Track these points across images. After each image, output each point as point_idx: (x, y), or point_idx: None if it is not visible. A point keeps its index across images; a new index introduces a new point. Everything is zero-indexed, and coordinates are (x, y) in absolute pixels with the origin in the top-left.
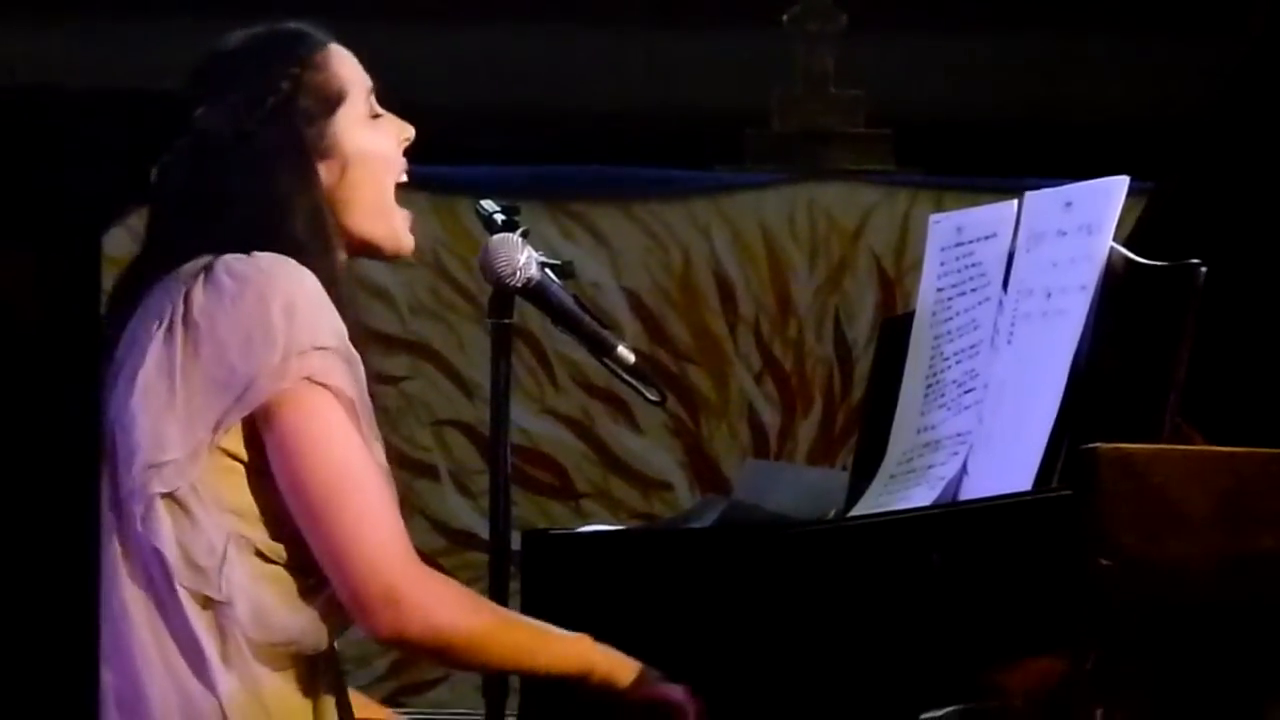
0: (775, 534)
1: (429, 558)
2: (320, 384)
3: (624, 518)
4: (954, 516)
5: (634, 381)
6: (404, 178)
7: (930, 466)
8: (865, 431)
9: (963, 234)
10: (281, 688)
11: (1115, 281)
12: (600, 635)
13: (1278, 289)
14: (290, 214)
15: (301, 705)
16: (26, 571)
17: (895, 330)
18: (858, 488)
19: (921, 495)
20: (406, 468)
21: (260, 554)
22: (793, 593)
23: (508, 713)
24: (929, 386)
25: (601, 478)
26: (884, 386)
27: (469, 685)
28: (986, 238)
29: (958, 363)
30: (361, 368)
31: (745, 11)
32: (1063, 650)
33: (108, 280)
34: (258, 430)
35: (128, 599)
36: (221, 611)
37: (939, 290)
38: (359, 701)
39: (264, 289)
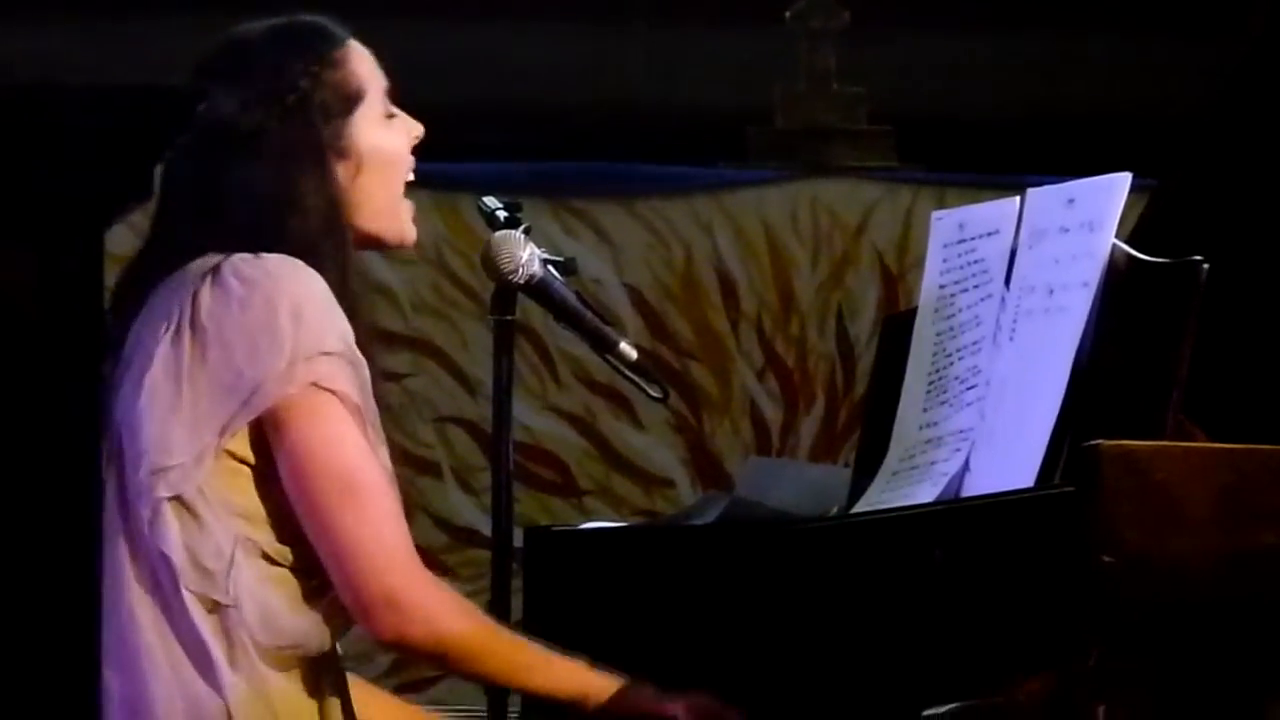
0: (777, 531)
1: (431, 555)
2: (326, 389)
3: (626, 515)
4: (956, 513)
5: (636, 378)
6: (411, 176)
7: (933, 463)
8: (867, 428)
9: (965, 230)
10: (287, 689)
11: (1117, 278)
12: (602, 632)
13: (1279, 286)
14: (304, 214)
15: (308, 706)
16: (28, 572)
17: (897, 327)
18: (860, 484)
19: (924, 492)
20: (409, 465)
21: (267, 557)
22: (795, 590)
23: (510, 710)
24: (931, 383)
25: (604, 474)
26: (886, 383)
27: (470, 683)
28: (989, 234)
29: (960, 359)
30: (367, 371)
31: (748, 8)
32: (1065, 647)
33: (110, 278)
34: (264, 434)
35: (133, 601)
36: (228, 615)
37: (941, 287)
38: (367, 692)
39: (271, 293)
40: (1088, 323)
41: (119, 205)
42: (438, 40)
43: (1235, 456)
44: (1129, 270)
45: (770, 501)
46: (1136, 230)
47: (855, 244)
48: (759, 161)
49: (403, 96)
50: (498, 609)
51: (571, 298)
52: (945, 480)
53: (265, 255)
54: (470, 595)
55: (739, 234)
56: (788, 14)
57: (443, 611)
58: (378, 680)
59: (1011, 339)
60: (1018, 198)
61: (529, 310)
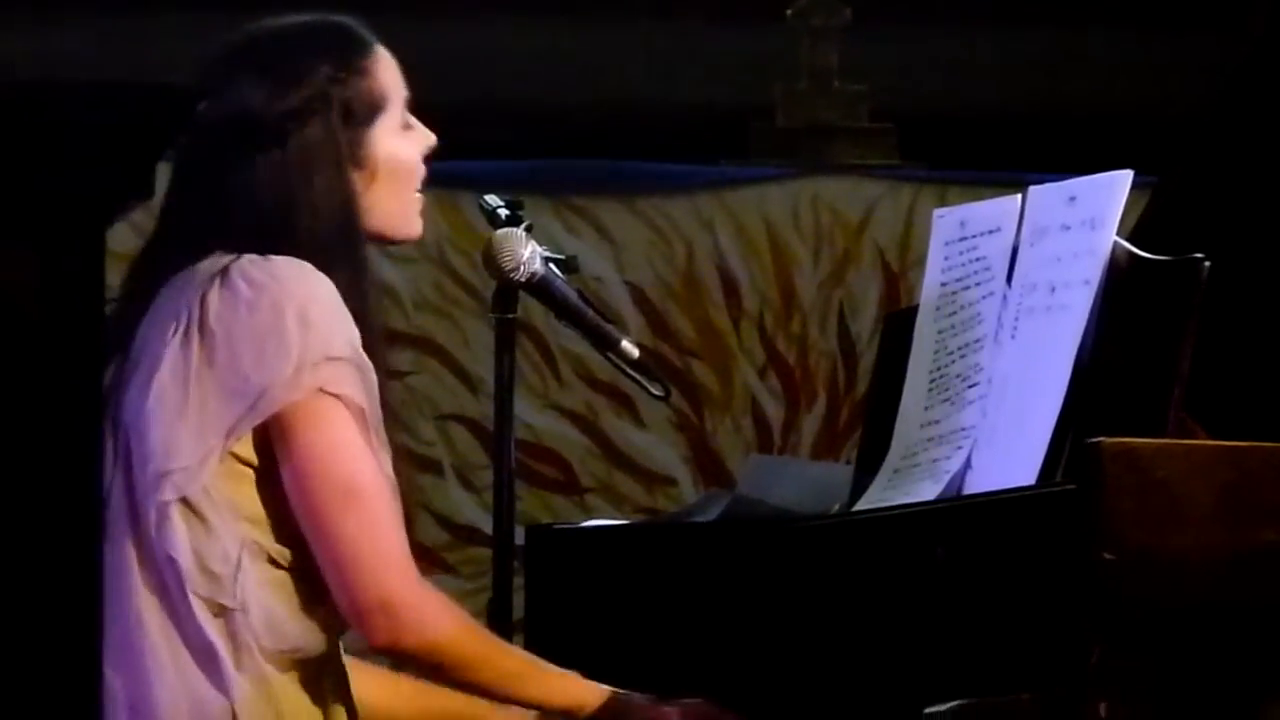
0: (779, 528)
1: (433, 553)
2: (332, 394)
3: (628, 512)
4: (958, 511)
5: (637, 376)
6: (421, 200)
7: (934, 461)
8: (869, 426)
9: (966, 228)
10: (292, 689)
11: (1119, 276)
12: (603, 631)
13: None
14: (318, 217)
15: (312, 706)
16: (30, 573)
17: (899, 324)
18: (862, 482)
19: (926, 490)
20: (410, 462)
21: (272, 560)
22: (797, 587)
23: None
24: (933, 381)
25: (605, 472)
26: (888, 381)
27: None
28: (990, 232)
29: (961, 357)
30: (374, 375)
31: (749, 6)
32: (1066, 645)
33: (112, 276)
34: (269, 436)
35: (139, 602)
36: (233, 618)
37: (943, 284)
38: (356, 666)
39: (278, 296)
40: (1089, 320)
41: (120, 203)
42: (439, 38)
43: (1236, 454)
44: (1130, 268)
45: (772, 499)
46: (1138, 228)
47: (857, 242)
48: (761, 159)
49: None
50: (499, 607)
51: (573, 296)
52: (947, 478)
53: (273, 258)
54: (472, 593)
55: (741, 232)
56: (789, 11)
57: (438, 620)
58: None
59: (1013, 337)
60: (1019, 195)
61: (530, 308)
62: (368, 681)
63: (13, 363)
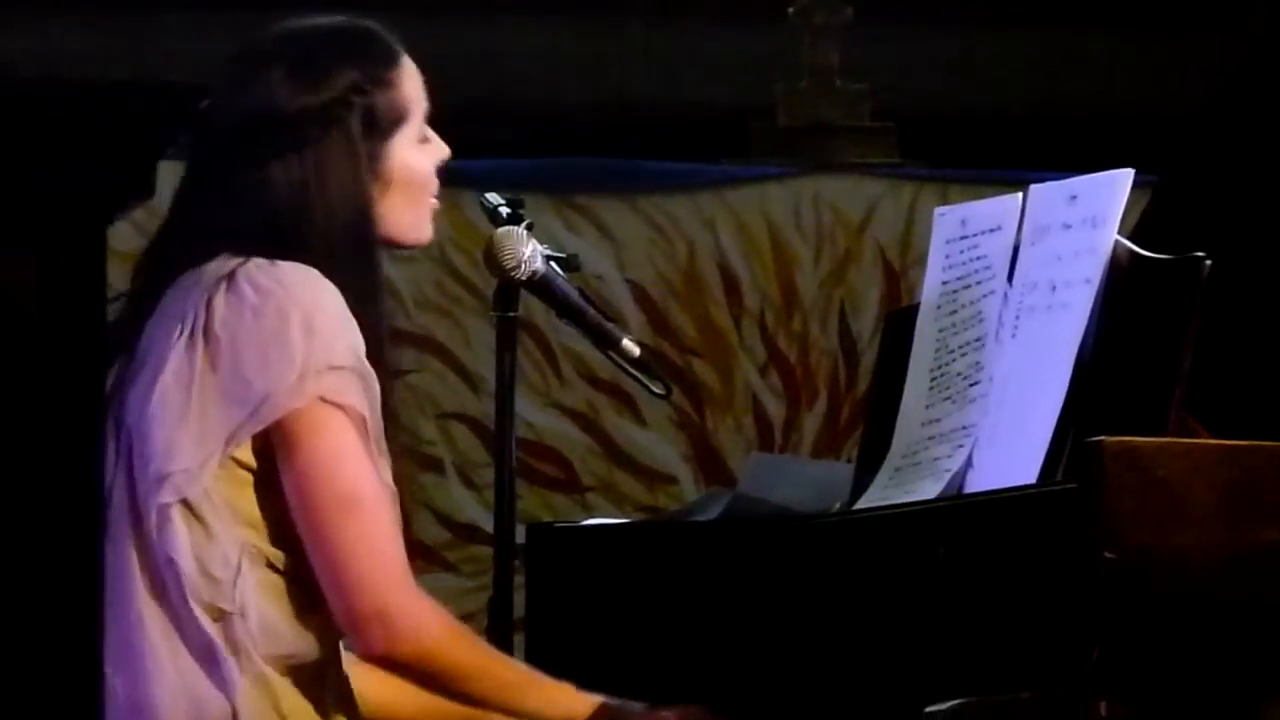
0: (780, 527)
1: (433, 551)
2: (333, 403)
3: (629, 511)
4: (959, 510)
5: (638, 374)
6: (436, 204)
7: (935, 459)
8: (870, 424)
9: (967, 227)
10: (293, 690)
11: (1120, 275)
12: (604, 629)
13: None
14: (333, 225)
15: (313, 716)
16: (31, 574)
17: (900, 323)
18: (863, 481)
19: (927, 488)
20: (412, 461)
21: (271, 565)
22: (797, 586)
23: None
24: (934, 379)
25: (606, 471)
26: (889, 379)
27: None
28: (991, 230)
29: (962, 355)
30: (376, 385)
31: (751, 5)
32: (1067, 644)
33: (114, 275)
34: (270, 443)
35: (140, 602)
36: (232, 622)
37: (944, 283)
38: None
39: (284, 303)
40: (1090, 319)
41: (121, 203)
42: (440, 37)
43: (1238, 453)
44: (1131, 267)
45: (773, 498)
46: (1139, 226)
47: (858, 240)
48: (762, 158)
49: None
50: (500, 605)
51: (574, 294)
52: (948, 476)
53: (281, 263)
54: (472, 591)
55: (742, 230)
56: (791, 10)
57: (433, 631)
58: None
59: (1014, 335)
60: (1020, 194)
61: (532, 306)
62: (371, 679)
63: (14, 362)
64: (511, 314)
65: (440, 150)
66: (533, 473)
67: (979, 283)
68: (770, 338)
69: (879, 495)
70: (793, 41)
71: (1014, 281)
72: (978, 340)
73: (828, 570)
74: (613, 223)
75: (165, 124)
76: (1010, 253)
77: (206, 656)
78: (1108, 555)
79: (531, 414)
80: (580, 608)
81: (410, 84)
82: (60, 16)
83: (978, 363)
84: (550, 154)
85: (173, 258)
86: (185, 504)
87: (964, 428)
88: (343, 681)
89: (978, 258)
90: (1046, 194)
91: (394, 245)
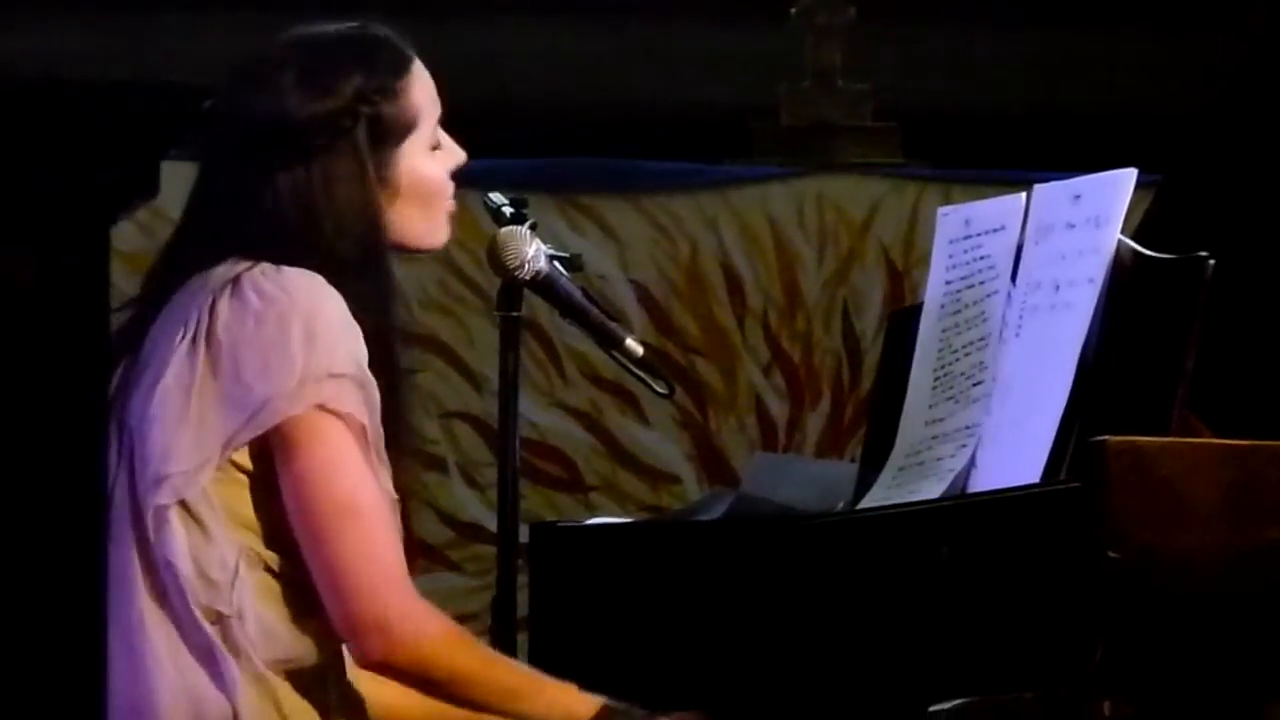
0: (783, 527)
1: (436, 551)
2: (332, 411)
3: (632, 510)
4: (962, 509)
5: (642, 374)
6: (452, 206)
7: (939, 459)
8: (873, 424)
9: (971, 226)
10: (294, 692)
11: (1123, 274)
12: (607, 629)
13: None
14: (342, 233)
15: (314, 709)
16: (32, 575)
17: (903, 322)
18: (866, 480)
19: (930, 488)
20: (415, 460)
21: (269, 569)
22: (801, 585)
23: None
24: (937, 379)
25: (610, 470)
26: (892, 379)
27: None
28: (995, 230)
29: (966, 355)
30: (377, 393)
31: (753, 5)
32: (1070, 643)
33: (117, 275)
34: (270, 448)
35: (141, 603)
36: (230, 625)
37: (947, 283)
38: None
39: (287, 310)
40: (1093, 319)
41: (124, 202)
42: (443, 38)
43: (1241, 452)
44: (1135, 266)
45: (776, 497)
46: (1142, 226)
47: (861, 240)
48: (764, 158)
49: None
50: (503, 605)
51: (577, 294)
52: (951, 476)
53: (286, 269)
54: (476, 590)
55: (744, 230)
56: (793, 10)
57: (431, 638)
58: None
59: (1018, 335)
60: (1023, 194)
61: (535, 306)
62: (377, 683)
63: (17, 363)
64: (515, 314)
65: (454, 155)
66: (536, 472)
67: (982, 282)
68: (773, 337)
69: (882, 495)
70: (795, 41)
71: (1017, 281)
72: (981, 340)
73: (831, 570)
74: (616, 222)
75: (168, 124)
76: (1014, 252)
77: (206, 657)
78: (1111, 555)
79: (535, 413)
80: (583, 607)
81: (420, 91)
82: (60, 16)
83: (981, 362)
84: (553, 154)
85: (182, 262)
86: (183, 506)
87: (967, 427)
88: (346, 686)
89: (981, 257)
90: (1050, 194)
91: (407, 250)
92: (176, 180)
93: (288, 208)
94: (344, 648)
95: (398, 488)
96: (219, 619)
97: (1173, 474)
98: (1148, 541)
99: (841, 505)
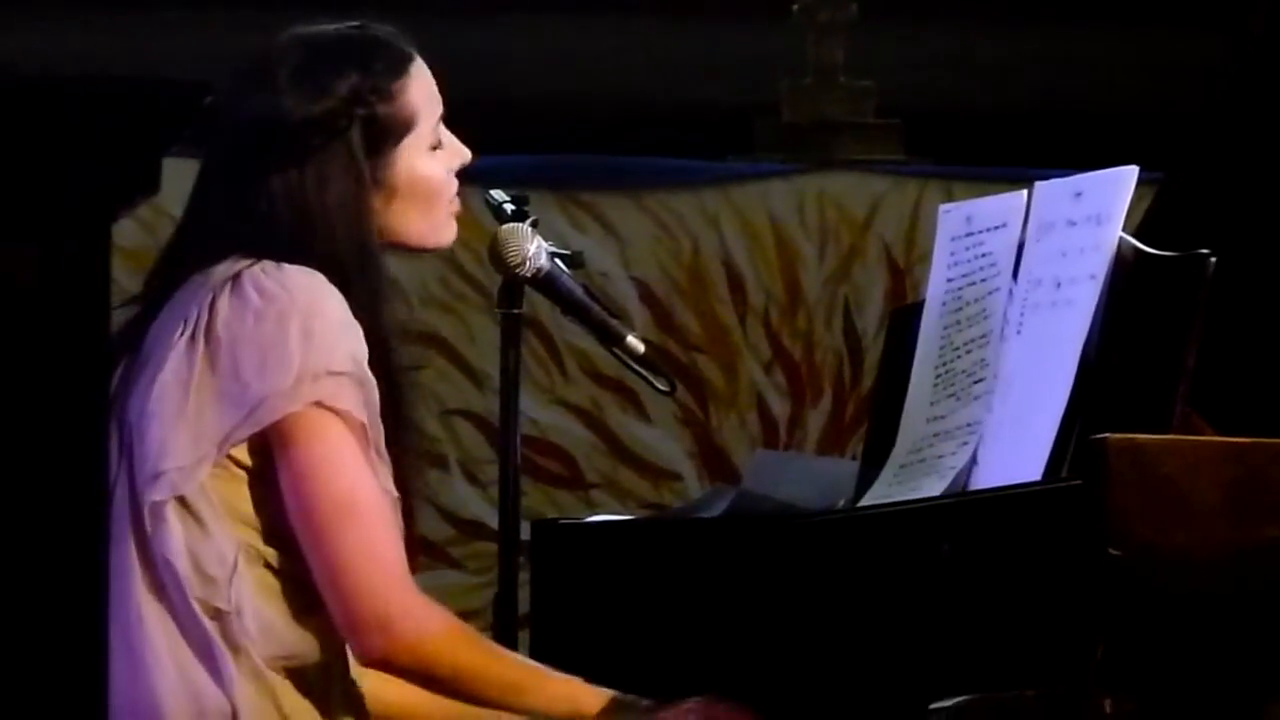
0: (784, 524)
1: (438, 548)
2: (330, 408)
3: (633, 508)
4: (964, 507)
5: (643, 371)
6: (456, 205)
7: (940, 456)
8: (875, 421)
9: (972, 224)
10: (294, 693)
11: (1125, 271)
12: (608, 626)
13: None
14: (334, 234)
15: (315, 707)
16: (33, 572)
17: (905, 320)
18: (867, 477)
19: (931, 485)
20: (416, 458)
21: (269, 566)
22: (802, 583)
23: None
24: (939, 376)
25: (611, 468)
26: (893, 376)
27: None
28: (996, 227)
29: (967, 352)
30: (376, 391)
31: (755, 2)
32: (1071, 641)
33: (118, 272)
34: (269, 445)
35: (141, 599)
36: (228, 621)
37: (949, 280)
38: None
39: (286, 308)
40: (1095, 316)
41: (126, 199)
42: (444, 35)
43: (1242, 450)
44: (1136, 264)
45: (777, 495)
46: (1144, 223)
47: (862, 237)
48: (766, 155)
49: None
50: (504, 602)
51: (579, 291)
52: (952, 474)
53: (287, 267)
54: (477, 588)
55: (746, 227)
56: (795, 7)
57: (432, 636)
58: None
59: (1019, 332)
60: (1025, 191)
61: (536, 303)
62: (388, 681)
63: (18, 360)
64: (516, 310)
65: (457, 154)
66: (537, 469)
67: (984, 280)
68: (775, 335)
69: (883, 492)
70: (797, 38)
71: (1019, 278)
72: (982, 337)
73: (832, 567)
74: (617, 219)
75: (168, 121)
76: (1015, 249)
77: (205, 654)
78: (1112, 552)
79: (536, 410)
80: (585, 604)
81: (418, 91)
82: (60, 15)
83: (982, 360)
84: (554, 151)
85: (184, 260)
86: (181, 502)
87: (968, 425)
88: (349, 684)
89: (982, 255)
90: (1051, 191)
91: (410, 250)
92: (178, 177)
93: (282, 208)
94: (346, 645)
95: (400, 486)
96: (217, 615)
97: (1174, 472)
98: (1149, 539)
99: (842, 503)
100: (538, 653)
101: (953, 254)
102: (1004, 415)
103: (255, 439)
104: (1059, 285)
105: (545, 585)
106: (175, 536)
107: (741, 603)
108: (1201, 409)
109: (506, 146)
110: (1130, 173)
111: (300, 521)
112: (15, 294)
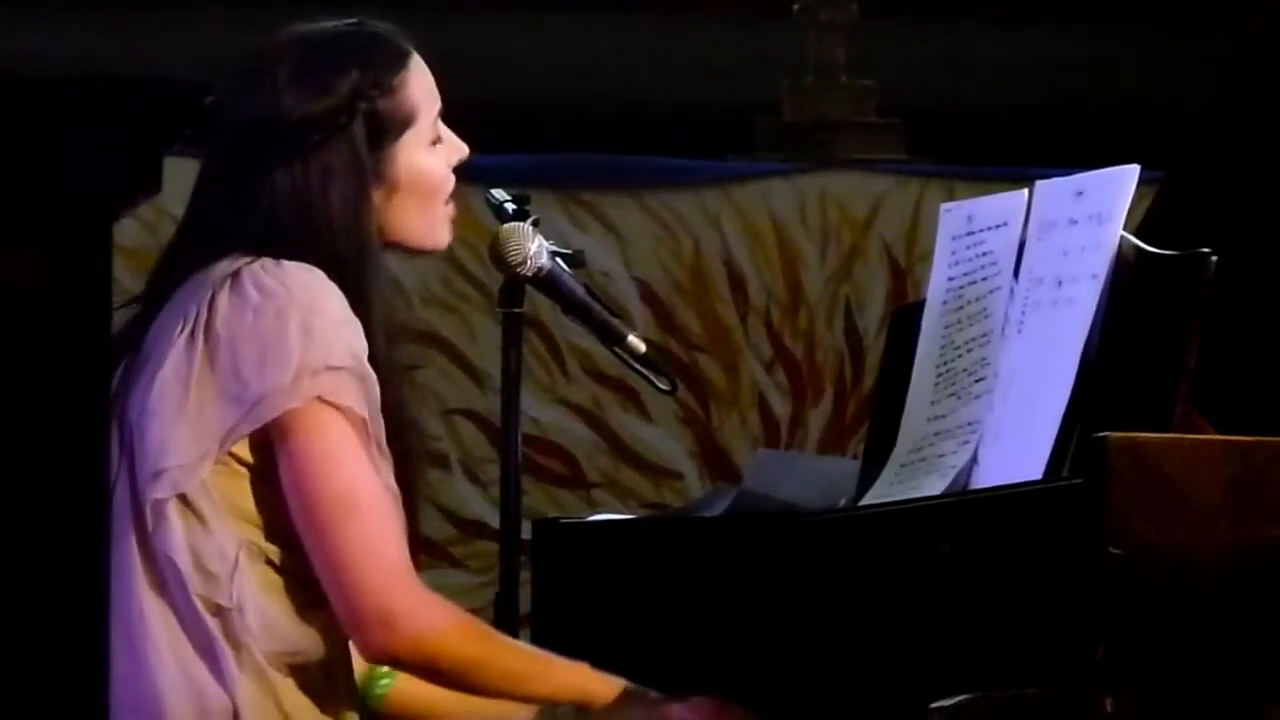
0: (785, 523)
1: (439, 547)
2: (330, 404)
3: (634, 507)
4: (964, 506)
5: (644, 371)
6: (452, 209)
7: (941, 455)
8: (876, 421)
9: (973, 223)
10: (295, 690)
11: (1126, 270)
12: (610, 625)
13: None
14: (335, 231)
15: (318, 715)
16: (34, 571)
17: (906, 319)
18: (869, 477)
19: (932, 484)
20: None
21: (270, 562)
22: (803, 582)
23: None
24: (940, 375)
25: (612, 467)
26: (895, 375)
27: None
28: (997, 226)
29: (968, 351)
30: (377, 387)
31: (756, 2)
32: (1072, 640)
33: (120, 272)
34: (270, 441)
35: (142, 597)
36: (230, 618)
37: (950, 279)
38: None
39: (285, 304)
40: (1096, 315)
41: (127, 199)
42: (445, 34)
43: (1243, 449)
44: (1137, 263)
45: (779, 494)
46: (1145, 223)
47: (863, 237)
48: (767, 154)
49: None
50: (506, 601)
51: (580, 290)
52: (953, 473)
53: (286, 264)
54: (478, 587)
55: (747, 227)
56: (796, 6)
57: (436, 630)
58: None
59: (1020, 331)
60: (1026, 190)
61: (537, 303)
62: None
63: (20, 359)
64: (517, 310)
65: (456, 149)
66: (538, 469)
67: (985, 279)
68: (776, 334)
69: (884, 491)
70: (798, 38)
71: (1020, 277)
72: (983, 336)
73: (833, 566)
74: (618, 219)
75: (169, 120)
76: (1016, 249)
77: (207, 651)
78: (1112, 551)
79: (537, 410)
80: (586, 604)
81: (418, 86)
82: (60, 16)
83: (983, 359)
84: (556, 150)
85: (185, 259)
86: (182, 499)
87: (969, 424)
88: (351, 681)
89: (983, 254)
90: (1052, 190)
91: (408, 249)
92: (179, 176)
93: (285, 205)
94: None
95: (403, 485)
96: (219, 612)
97: (1175, 471)
98: (1149, 538)
99: (844, 502)
100: None
101: (954, 253)
102: (1005, 414)
103: (256, 435)
104: (1060, 284)
105: (546, 585)
106: (176, 534)
107: (742, 602)
108: (1203, 408)
109: (507, 146)
110: (1131, 171)
111: (302, 517)
112: (16, 294)
